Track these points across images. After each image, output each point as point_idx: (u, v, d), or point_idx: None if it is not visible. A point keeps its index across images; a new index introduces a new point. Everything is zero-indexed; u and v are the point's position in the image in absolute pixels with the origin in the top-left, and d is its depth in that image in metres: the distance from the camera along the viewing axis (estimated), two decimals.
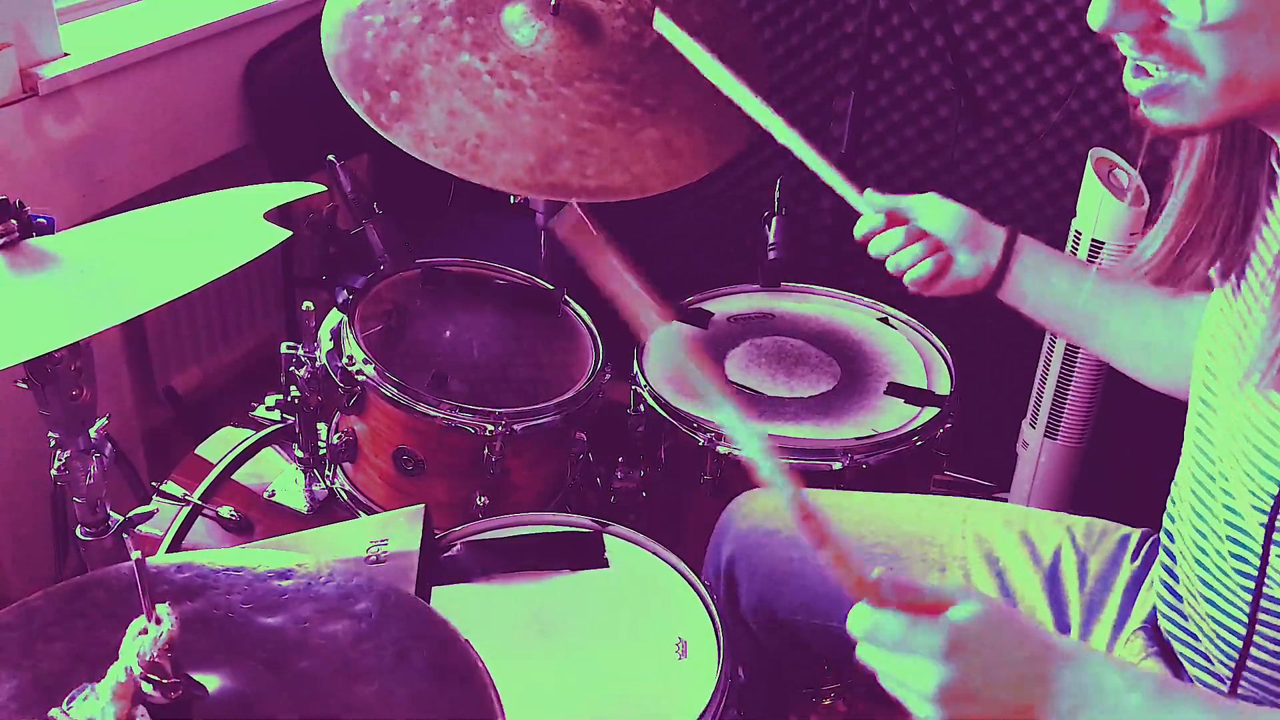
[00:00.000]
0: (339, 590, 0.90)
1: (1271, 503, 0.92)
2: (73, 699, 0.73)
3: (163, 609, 0.73)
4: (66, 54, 1.89)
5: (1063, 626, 1.21)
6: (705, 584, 1.28)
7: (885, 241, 1.30)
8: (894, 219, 1.30)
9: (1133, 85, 0.86)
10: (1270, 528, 0.93)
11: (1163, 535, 1.11)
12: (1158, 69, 0.83)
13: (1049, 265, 1.27)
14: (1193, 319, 1.17)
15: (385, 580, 0.93)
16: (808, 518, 0.88)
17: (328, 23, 1.54)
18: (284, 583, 0.89)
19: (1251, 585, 0.97)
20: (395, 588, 0.92)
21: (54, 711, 0.73)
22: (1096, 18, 0.82)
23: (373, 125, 1.45)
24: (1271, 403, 0.90)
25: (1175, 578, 1.09)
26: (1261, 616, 0.97)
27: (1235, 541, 0.98)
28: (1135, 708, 0.86)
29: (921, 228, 1.29)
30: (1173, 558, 1.09)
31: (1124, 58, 0.86)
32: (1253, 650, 0.99)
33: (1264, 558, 0.95)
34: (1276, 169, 0.92)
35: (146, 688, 0.72)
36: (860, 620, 0.88)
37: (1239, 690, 1.02)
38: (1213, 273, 1.02)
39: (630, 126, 1.55)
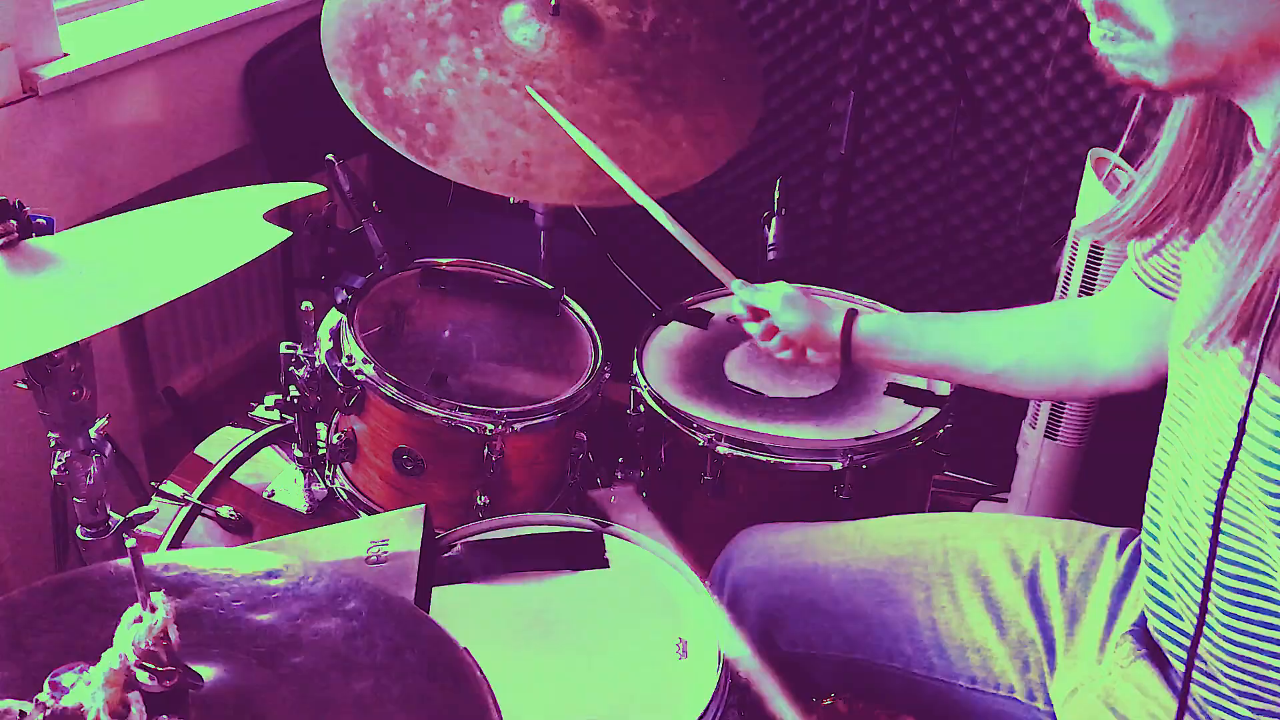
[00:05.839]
0: (328, 589, 0.90)
1: (1220, 481, 0.92)
2: (60, 677, 0.73)
3: (158, 597, 0.73)
4: (66, 54, 1.89)
5: (1045, 630, 1.22)
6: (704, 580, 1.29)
7: (751, 328, 1.45)
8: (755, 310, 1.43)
9: (1095, 41, 0.89)
10: (1219, 504, 0.92)
11: (1144, 535, 1.12)
12: (1114, 33, 0.87)
13: (887, 336, 1.39)
14: (1090, 319, 1.27)
15: (373, 580, 0.93)
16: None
17: (332, 62, 1.54)
18: (273, 582, 0.89)
19: (1203, 570, 0.97)
20: (383, 589, 0.92)
21: (41, 694, 0.72)
22: None
23: (419, 162, 1.46)
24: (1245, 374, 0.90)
25: (1161, 574, 1.09)
26: (1218, 602, 0.98)
27: (1192, 519, 0.99)
28: None
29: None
30: (1157, 555, 1.09)
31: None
32: (1219, 640, 1.00)
33: (1214, 539, 0.94)
34: (1251, 147, 0.92)
35: (141, 676, 0.72)
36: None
37: (1227, 686, 1.02)
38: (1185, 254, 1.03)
39: (658, 117, 1.57)
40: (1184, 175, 0.97)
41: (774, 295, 1.40)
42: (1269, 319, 0.82)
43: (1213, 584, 0.99)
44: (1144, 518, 1.12)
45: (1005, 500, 2.29)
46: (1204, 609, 0.97)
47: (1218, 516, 0.92)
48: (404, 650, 0.85)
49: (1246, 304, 0.84)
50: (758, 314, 1.42)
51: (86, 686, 0.72)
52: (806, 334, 1.39)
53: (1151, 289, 1.15)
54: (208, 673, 0.79)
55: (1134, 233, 1.03)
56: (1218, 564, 0.98)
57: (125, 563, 0.89)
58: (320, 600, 0.88)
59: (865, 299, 1.80)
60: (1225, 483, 0.91)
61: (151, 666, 0.72)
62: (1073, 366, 1.28)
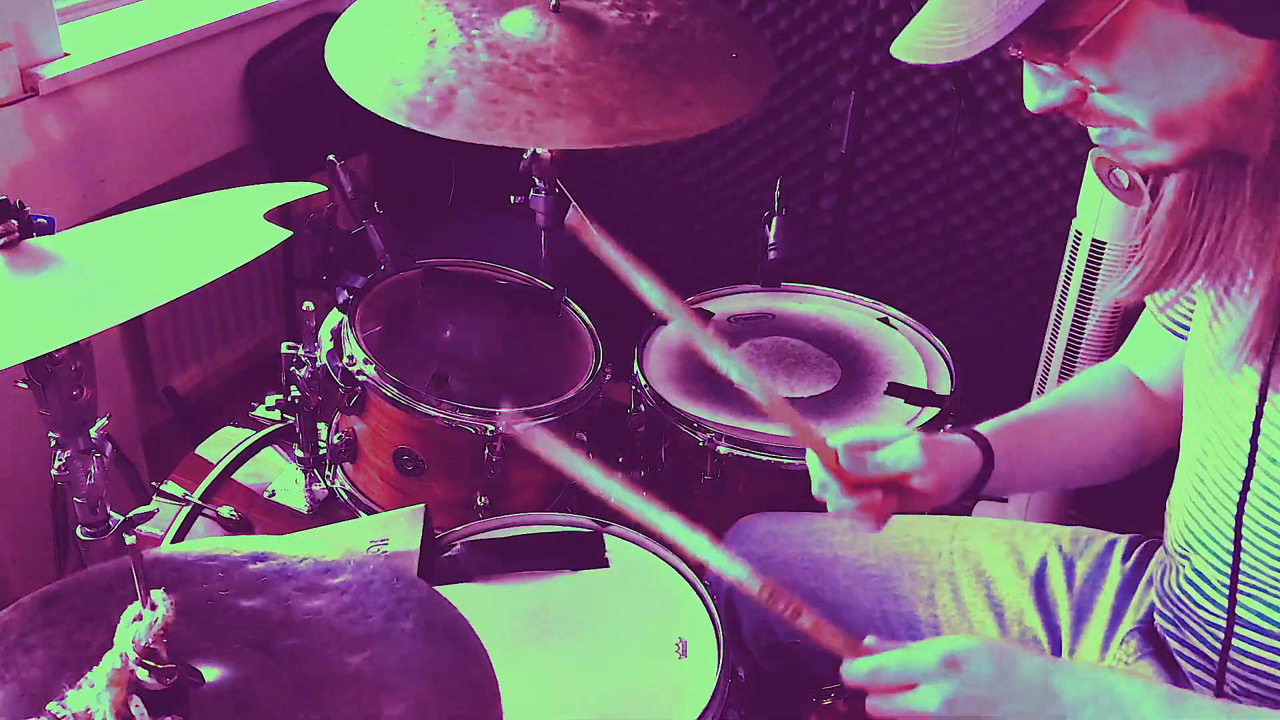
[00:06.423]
0: (315, 566, 0.89)
1: (1240, 488, 0.95)
2: (64, 698, 0.73)
3: (158, 595, 0.73)
4: (66, 54, 1.89)
5: (1052, 629, 1.22)
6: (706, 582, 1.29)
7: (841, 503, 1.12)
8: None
9: (1097, 141, 0.90)
10: (1240, 512, 0.95)
11: (1171, 544, 1.12)
12: (1105, 130, 0.88)
13: (1019, 459, 1.17)
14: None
15: (360, 553, 0.93)
16: (778, 598, 0.95)
17: (333, 61, 1.54)
18: (258, 565, 0.89)
19: (1227, 577, 0.99)
20: (370, 557, 0.92)
21: (51, 705, 0.72)
22: (1029, 100, 0.88)
23: (419, 128, 1.45)
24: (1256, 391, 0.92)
25: (1170, 576, 1.10)
26: (1239, 611, 0.99)
27: (1220, 531, 1.00)
28: (1153, 713, 0.88)
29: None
30: (1169, 554, 1.10)
31: None
32: (1234, 642, 1.01)
33: (1236, 545, 0.97)
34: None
35: (142, 674, 0.72)
36: (858, 669, 0.92)
37: (1225, 687, 1.03)
38: (1197, 286, 1.04)
39: (666, 83, 1.56)
40: (1187, 235, 0.98)
41: (909, 460, 1.08)
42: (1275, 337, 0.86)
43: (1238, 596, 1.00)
44: (1167, 532, 1.13)
45: (1005, 501, 2.29)
46: (1232, 617, 0.98)
47: (1238, 530, 0.96)
48: (397, 617, 0.85)
49: (1254, 324, 0.87)
50: (885, 483, 1.09)
51: (90, 689, 0.72)
52: (940, 485, 1.09)
53: (1172, 331, 1.15)
54: (206, 670, 0.79)
55: (1147, 290, 1.04)
56: (1241, 575, 1.00)
57: (111, 567, 0.89)
58: (309, 578, 0.88)
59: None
60: (1244, 497, 0.94)
61: (152, 664, 0.72)
62: (1154, 423, 1.22)
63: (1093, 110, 0.86)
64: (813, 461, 1.12)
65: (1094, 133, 0.90)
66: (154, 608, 0.73)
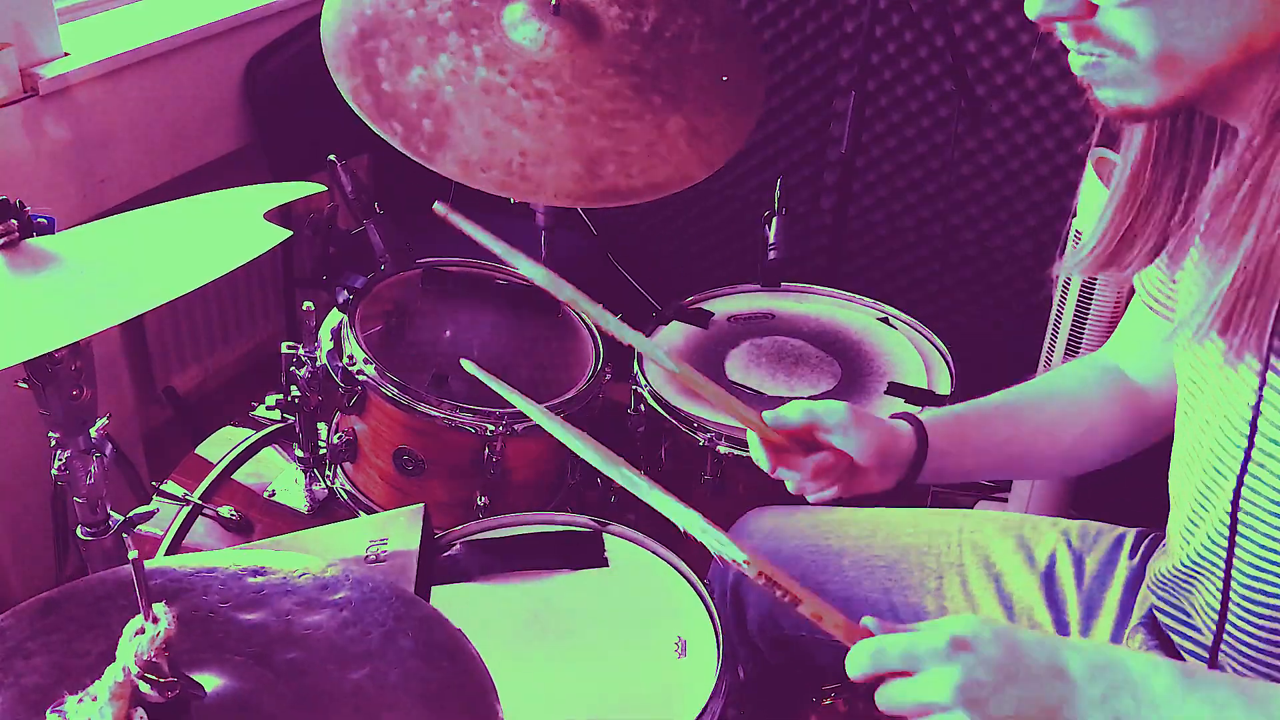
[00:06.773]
0: (315, 582, 0.90)
1: (1239, 469, 0.93)
2: (63, 704, 0.73)
3: (160, 608, 0.73)
4: (66, 54, 1.89)
5: (1061, 625, 1.22)
6: (709, 590, 1.29)
7: (788, 475, 1.15)
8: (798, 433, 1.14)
9: (1079, 69, 0.88)
10: (1237, 493, 0.94)
11: (1168, 531, 1.12)
12: (1093, 59, 0.86)
13: (956, 441, 1.20)
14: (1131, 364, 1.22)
15: (359, 569, 0.93)
16: (773, 584, 0.91)
17: (331, 55, 1.55)
18: (258, 579, 0.89)
19: (1223, 562, 0.98)
20: (369, 574, 0.92)
21: (51, 715, 0.72)
22: (1032, 7, 0.85)
23: (414, 158, 1.46)
24: (1250, 367, 0.91)
25: (1176, 570, 1.10)
26: (1233, 592, 0.99)
27: (1215, 516, 0.99)
28: (1165, 689, 0.85)
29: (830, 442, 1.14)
30: (1171, 550, 1.10)
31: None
32: (1229, 626, 1.01)
33: (1232, 525, 0.96)
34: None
35: (144, 687, 0.72)
36: (860, 655, 0.88)
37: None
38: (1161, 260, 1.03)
39: (657, 118, 1.58)
40: (1143, 205, 0.97)
41: (835, 413, 1.12)
42: (1248, 309, 0.84)
43: (1232, 580, 0.99)
44: (1169, 515, 1.12)
45: (1005, 500, 2.29)
46: (1225, 605, 0.98)
47: (1234, 512, 0.95)
48: (397, 635, 0.85)
49: (1228, 296, 0.85)
50: (805, 447, 1.14)
51: (93, 703, 0.72)
52: (875, 454, 1.13)
53: (1153, 309, 1.15)
54: (206, 680, 0.79)
55: (1103, 265, 1.03)
56: (1235, 560, 0.99)
57: (110, 575, 0.89)
58: (308, 593, 0.88)
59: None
60: (1241, 479, 0.93)
61: (154, 678, 0.72)
62: (1132, 417, 1.22)
63: (1094, 30, 0.84)
64: (753, 442, 1.14)
65: (1077, 62, 0.87)
66: (156, 621, 0.73)
